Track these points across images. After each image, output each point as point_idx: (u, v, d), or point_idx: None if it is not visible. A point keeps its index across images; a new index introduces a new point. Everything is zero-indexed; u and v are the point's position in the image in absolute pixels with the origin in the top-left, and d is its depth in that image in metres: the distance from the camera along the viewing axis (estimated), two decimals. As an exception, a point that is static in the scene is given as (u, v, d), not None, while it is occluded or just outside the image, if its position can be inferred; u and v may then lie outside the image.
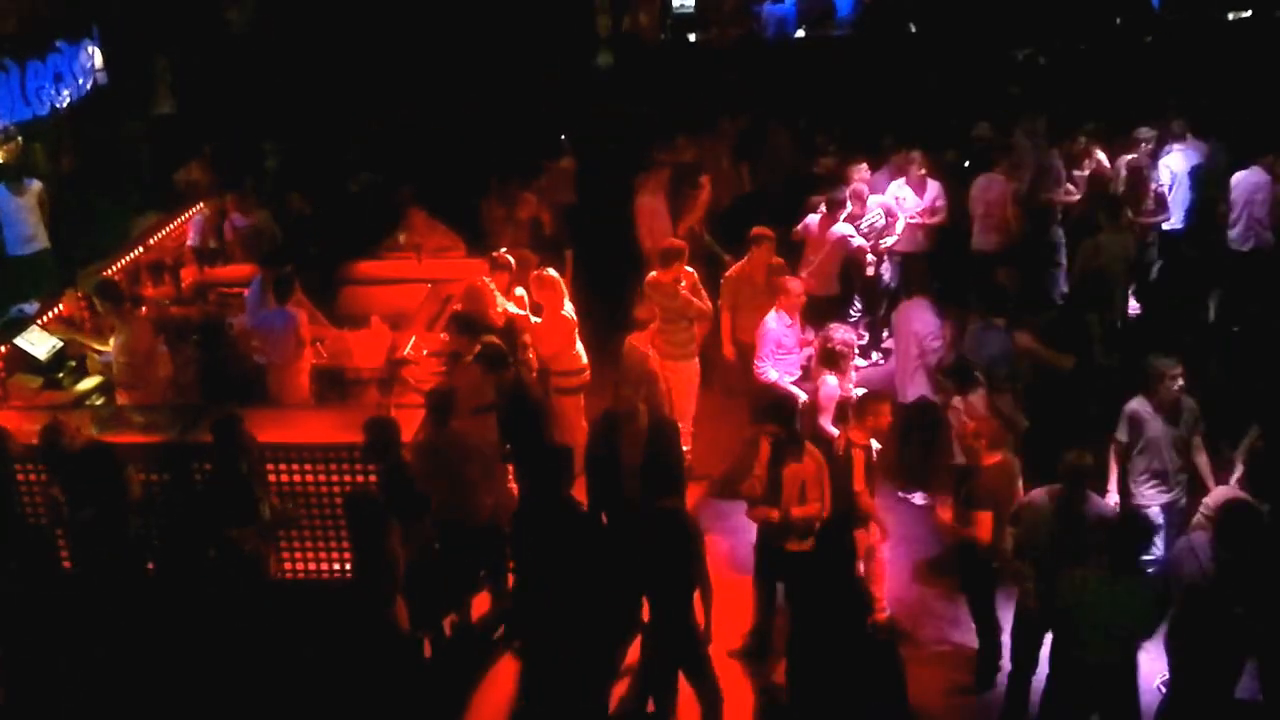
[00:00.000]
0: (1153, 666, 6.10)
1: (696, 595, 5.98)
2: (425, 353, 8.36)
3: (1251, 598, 5.49)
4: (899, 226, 10.18)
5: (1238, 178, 10.16)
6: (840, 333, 7.64)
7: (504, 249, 9.35)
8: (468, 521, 6.84)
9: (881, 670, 5.41)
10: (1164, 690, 6.04)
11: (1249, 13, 16.20)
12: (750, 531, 7.02)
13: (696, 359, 8.75)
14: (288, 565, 7.29)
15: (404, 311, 8.95)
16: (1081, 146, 10.99)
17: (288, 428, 7.36)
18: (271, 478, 6.97)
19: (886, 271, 10.39)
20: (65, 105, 11.45)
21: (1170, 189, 10.65)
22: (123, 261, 9.35)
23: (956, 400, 7.20)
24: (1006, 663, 6.46)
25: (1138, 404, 6.79)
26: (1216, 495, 6.30)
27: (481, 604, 7.34)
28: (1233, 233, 10.17)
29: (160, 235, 10.06)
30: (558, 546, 6.09)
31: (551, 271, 8.62)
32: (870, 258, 10.08)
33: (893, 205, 10.20)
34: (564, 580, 6.03)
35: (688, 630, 5.98)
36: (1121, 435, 6.83)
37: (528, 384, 7.75)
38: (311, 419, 7.64)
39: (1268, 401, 7.04)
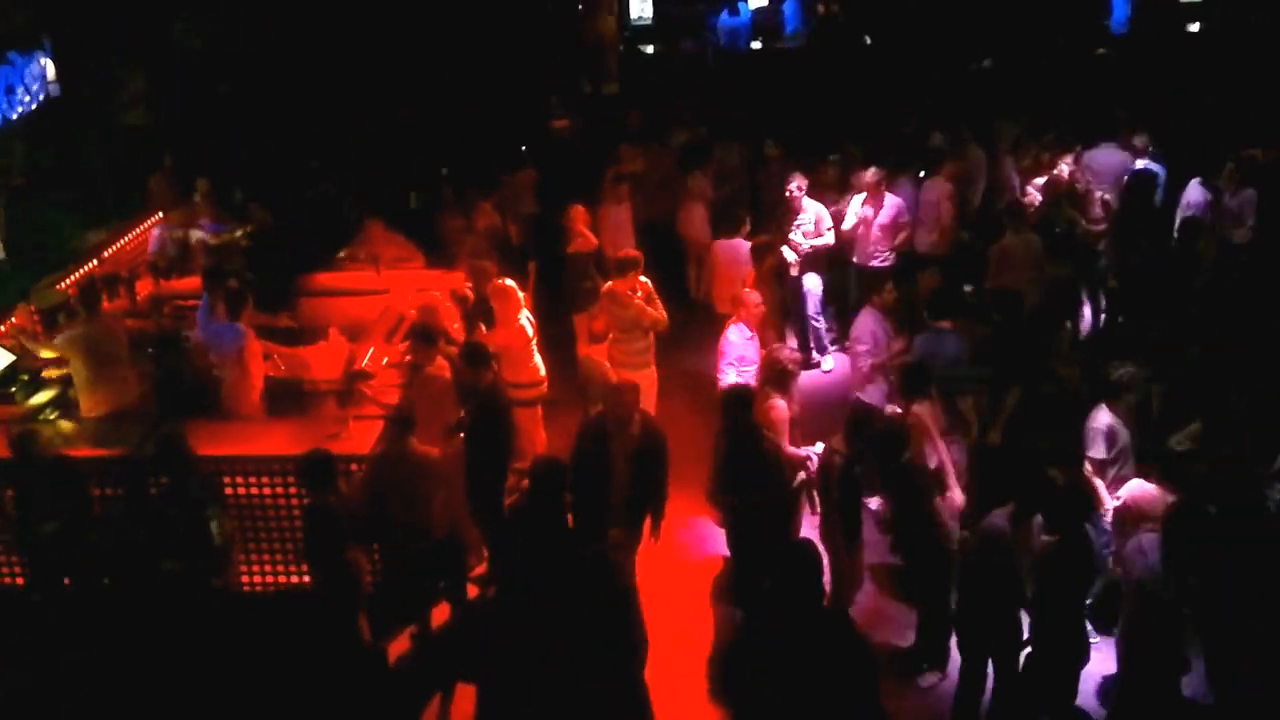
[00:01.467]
0: (1102, 665, 6.25)
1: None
2: (384, 364, 8.35)
3: (1198, 597, 5.65)
4: (829, 236, 10.22)
5: (1186, 192, 10.35)
6: (785, 351, 7.68)
7: (465, 259, 9.41)
8: (425, 537, 6.83)
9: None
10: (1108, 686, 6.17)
11: (1195, 27, 16.55)
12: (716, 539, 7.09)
13: (653, 368, 8.80)
14: (245, 578, 7.27)
15: (362, 323, 8.95)
16: (1042, 157, 11.07)
17: (243, 441, 7.34)
18: (228, 491, 6.94)
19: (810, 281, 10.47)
20: (17, 117, 11.35)
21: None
22: (77, 274, 9.28)
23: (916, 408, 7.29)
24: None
25: (1108, 416, 6.78)
26: (1130, 489, 6.41)
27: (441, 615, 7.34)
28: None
29: (116, 248, 9.98)
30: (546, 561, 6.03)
31: (509, 281, 8.65)
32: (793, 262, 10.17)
33: (824, 216, 10.23)
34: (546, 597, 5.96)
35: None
36: (1099, 452, 6.76)
37: (499, 390, 7.77)
38: (267, 432, 7.61)
39: (1210, 399, 7.18)
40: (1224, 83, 13.57)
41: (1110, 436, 6.76)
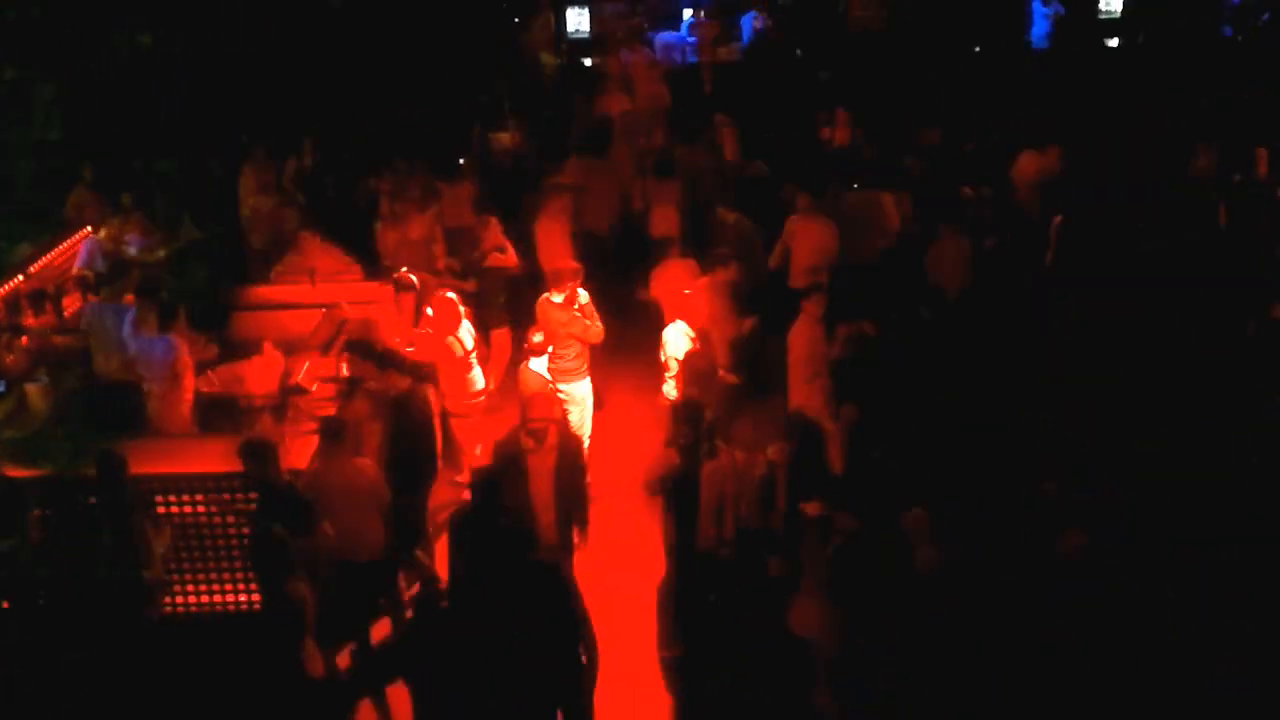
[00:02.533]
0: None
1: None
2: (320, 378, 8.29)
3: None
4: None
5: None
6: (701, 357, 7.76)
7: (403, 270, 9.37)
8: (361, 555, 6.79)
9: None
10: None
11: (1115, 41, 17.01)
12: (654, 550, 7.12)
13: (589, 378, 8.83)
14: (180, 600, 7.16)
15: (298, 337, 8.87)
16: None
17: (176, 458, 7.23)
18: (160, 509, 6.84)
19: None
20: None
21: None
22: (1, 290, 9.09)
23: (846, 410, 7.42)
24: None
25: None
26: None
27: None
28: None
29: (42, 262, 9.78)
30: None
31: (450, 294, 8.63)
32: None
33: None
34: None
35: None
36: None
37: (415, 398, 7.72)
38: (200, 448, 7.50)
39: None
40: (1142, 95, 13.94)
41: None
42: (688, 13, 17.44)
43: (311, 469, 6.92)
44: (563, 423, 7.45)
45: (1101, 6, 17.30)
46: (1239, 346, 8.59)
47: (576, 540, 7.08)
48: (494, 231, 9.99)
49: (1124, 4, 17.24)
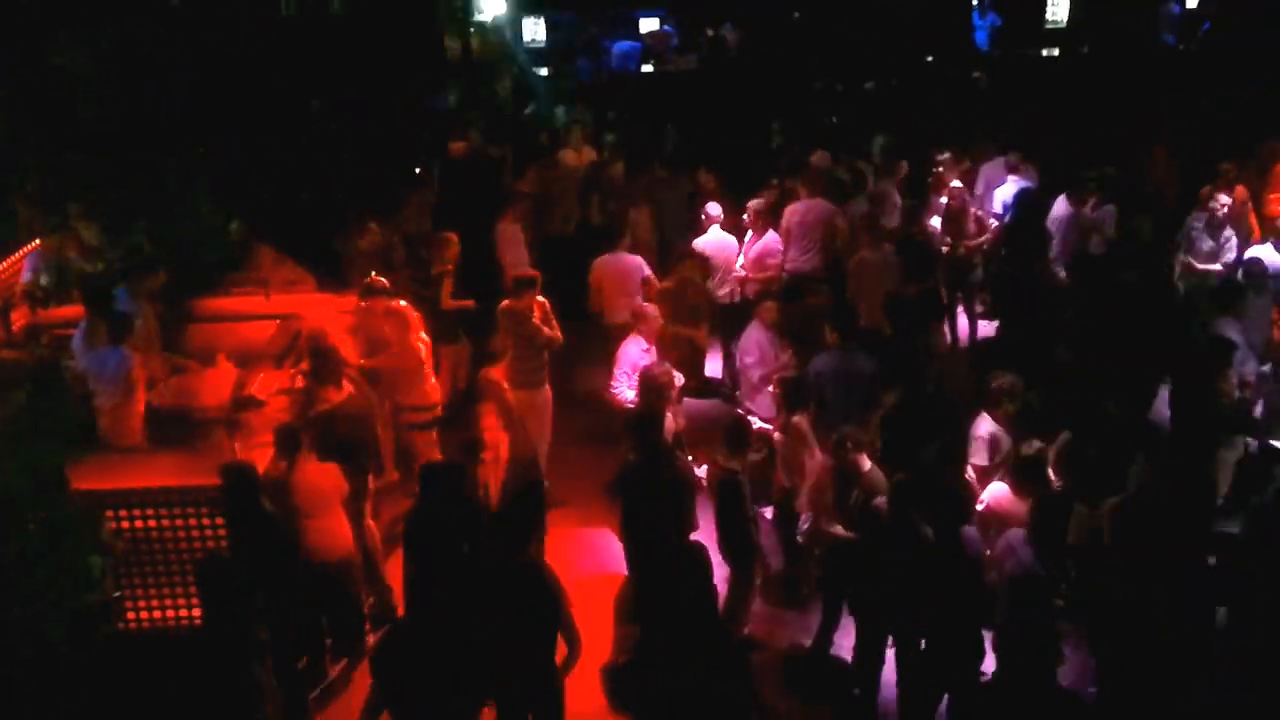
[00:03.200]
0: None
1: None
2: (275, 390, 8.21)
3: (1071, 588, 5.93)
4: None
5: (1054, 207, 10.79)
6: (660, 368, 7.78)
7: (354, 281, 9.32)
8: (333, 555, 6.78)
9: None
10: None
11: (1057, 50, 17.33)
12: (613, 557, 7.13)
13: (548, 387, 8.82)
14: (131, 615, 7.05)
15: (252, 349, 8.78)
16: (937, 174, 11.44)
17: (128, 473, 7.13)
18: (111, 525, 6.73)
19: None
20: None
21: (1005, 216, 11.24)
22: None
23: (796, 418, 7.47)
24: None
25: (990, 425, 7.02)
26: (990, 492, 6.69)
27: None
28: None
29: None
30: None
31: (402, 302, 8.59)
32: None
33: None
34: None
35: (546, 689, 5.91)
36: (981, 459, 6.98)
37: (353, 406, 7.68)
38: (152, 463, 7.40)
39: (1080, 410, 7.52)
40: (1086, 103, 14.20)
41: (992, 444, 6.99)
42: (644, 22, 17.56)
43: (277, 473, 6.84)
44: (516, 435, 7.44)
45: (1048, 17, 17.62)
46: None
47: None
48: (453, 249, 9.92)
49: (1069, 14, 17.57)
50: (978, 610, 6.05)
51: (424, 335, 8.61)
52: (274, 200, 11.98)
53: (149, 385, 8.07)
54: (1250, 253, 9.57)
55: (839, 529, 6.81)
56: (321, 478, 6.86)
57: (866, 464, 6.77)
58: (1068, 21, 17.68)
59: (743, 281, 10.35)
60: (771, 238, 10.30)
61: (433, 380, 8.59)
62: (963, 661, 5.97)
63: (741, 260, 10.33)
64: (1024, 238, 10.46)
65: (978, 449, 7.02)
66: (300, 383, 8.13)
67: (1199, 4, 17.64)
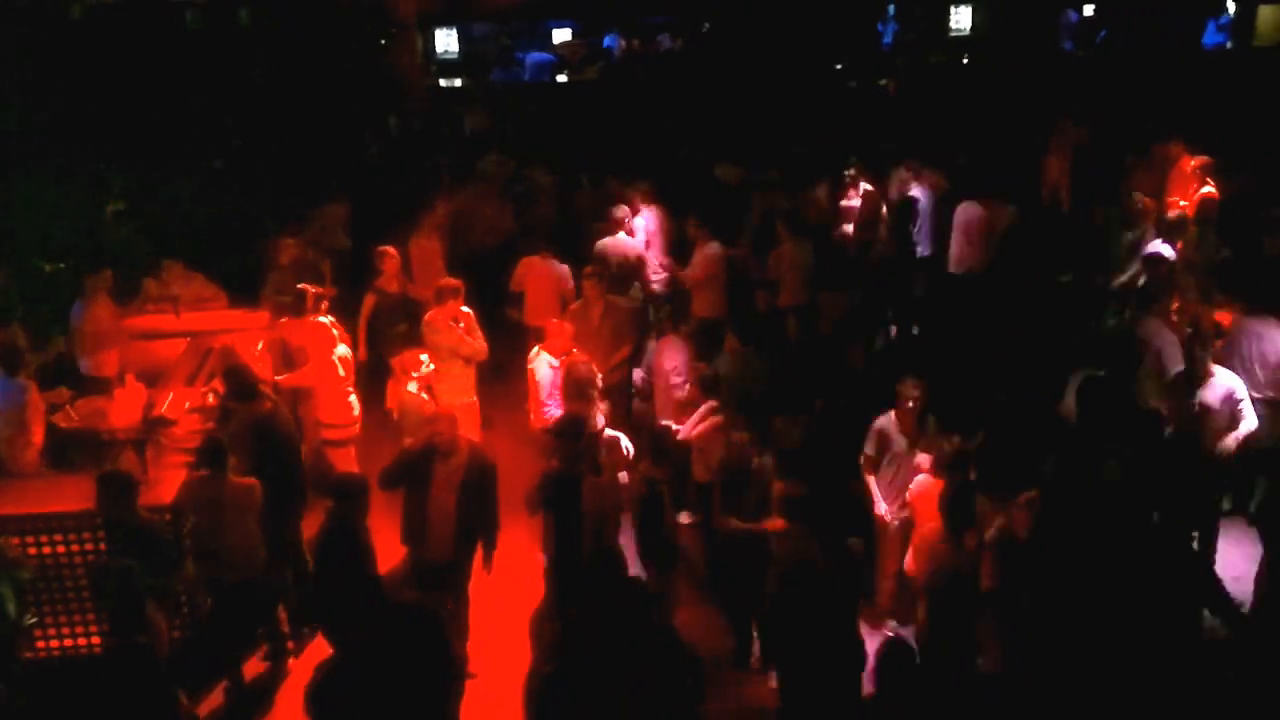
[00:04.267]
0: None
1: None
2: (187, 409, 8.06)
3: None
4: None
5: (959, 211, 11.05)
6: (583, 365, 7.81)
7: (268, 297, 9.19)
8: (241, 574, 6.66)
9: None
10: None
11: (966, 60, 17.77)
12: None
13: (474, 398, 8.78)
14: (41, 645, 6.86)
15: (162, 367, 8.61)
16: (848, 179, 11.63)
17: (31, 498, 6.95)
18: (15, 552, 6.54)
19: None
20: None
21: (916, 221, 11.47)
22: None
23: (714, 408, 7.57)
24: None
25: (884, 419, 7.28)
26: (917, 482, 6.85)
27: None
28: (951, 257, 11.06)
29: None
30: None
31: (321, 319, 8.50)
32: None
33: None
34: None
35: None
36: (869, 449, 7.30)
37: (277, 420, 7.58)
38: (57, 487, 7.18)
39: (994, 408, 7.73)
40: (989, 108, 14.59)
41: (880, 437, 7.25)
42: (557, 33, 17.60)
43: (192, 491, 6.73)
44: (474, 443, 7.42)
45: (952, 25, 18.06)
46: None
47: (479, 562, 7.05)
48: (392, 262, 9.83)
49: (972, 22, 18.03)
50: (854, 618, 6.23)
51: (343, 352, 8.51)
52: (186, 214, 11.84)
53: (52, 410, 7.87)
54: (1150, 249, 9.90)
55: (734, 522, 6.92)
56: (241, 493, 6.74)
57: (757, 461, 6.91)
58: (970, 29, 18.13)
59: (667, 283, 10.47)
60: (712, 246, 10.38)
61: (350, 398, 8.48)
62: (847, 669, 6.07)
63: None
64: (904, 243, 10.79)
65: (869, 440, 7.30)
66: (213, 401, 7.99)
67: (1096, 11, 18.24)
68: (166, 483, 7.07)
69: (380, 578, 6.55)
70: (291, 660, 7.21)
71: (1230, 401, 7.43)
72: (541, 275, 9.94)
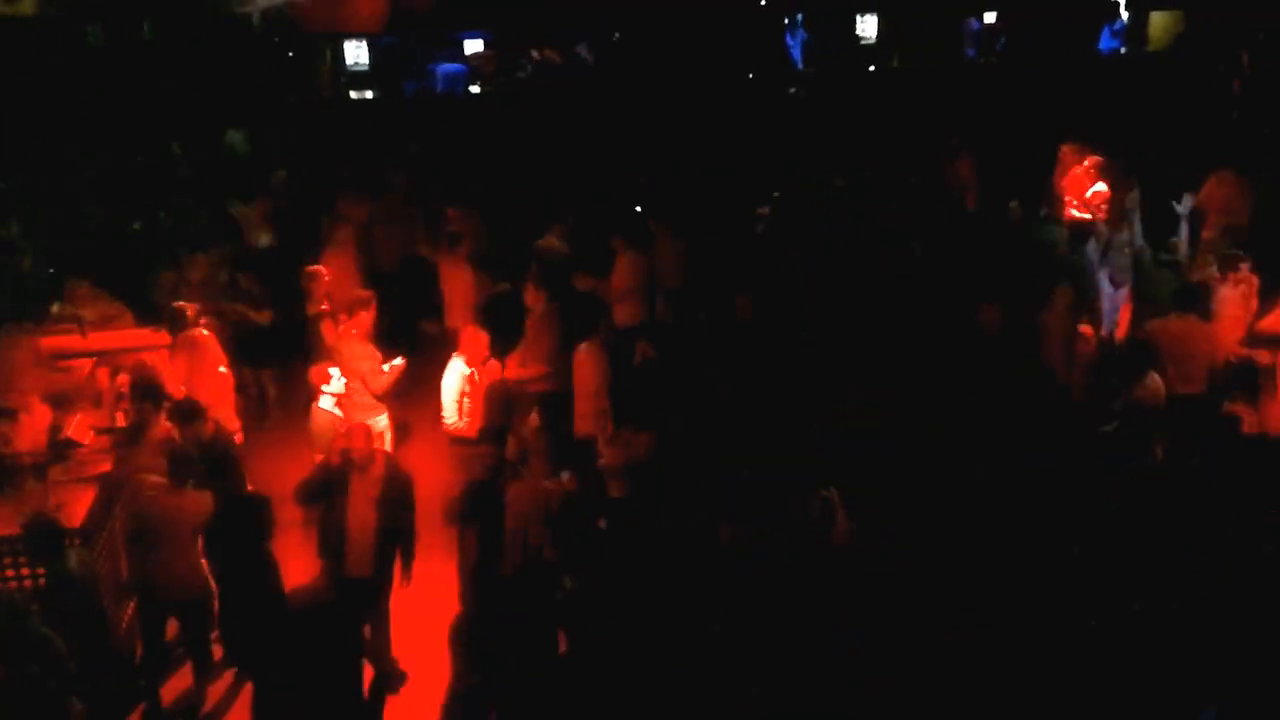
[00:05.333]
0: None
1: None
2: (93, 432, 7.89)
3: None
4: None
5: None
6: (502, 380, 7.86)
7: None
8: (181, 593, 6.61)
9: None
10: None
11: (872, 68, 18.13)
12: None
13: (388, 411, 8.73)
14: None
15: (68, 389, 8.41)
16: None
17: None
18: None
19: None
20: None
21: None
22: None
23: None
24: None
25: None
26: None
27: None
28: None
29: None
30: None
31: (203, 331, 8.37)
32: None
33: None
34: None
35: None
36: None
37: (224, 440, 7.60)
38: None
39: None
40: (901, 117, 14.92)
41: None
42: (469, 44, 17.55)
43: (139, 503, 6.61)
44: (391, 456, 7.38)
45: (858, 33, 18.43)
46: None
47: (398, 575, 7.04)
48: (320, 284, 9.70)
49: (878, 31, 18.42)
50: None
51: (222, 366, 8.45)
52: (92, 232, 11.59)
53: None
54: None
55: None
56: (195, 507, 6.65)
57: None
58: (876, 37, 18.51)
59: None
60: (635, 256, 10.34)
61: (232, 409, 8.41)
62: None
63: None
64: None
65: None
66: (121, 422, 7.85)
67: (997, 19, 18.75)
68: (71, 506, 6.92)
69: (285, 595, 6.48)
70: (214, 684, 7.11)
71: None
72: (455, 277, 9.91)
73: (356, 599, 6.76)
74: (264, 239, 11.57)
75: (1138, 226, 10.48)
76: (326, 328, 9.28)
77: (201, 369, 8.20)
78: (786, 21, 17.92)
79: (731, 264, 10.31)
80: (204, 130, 13.30)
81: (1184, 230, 10.63)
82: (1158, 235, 10.74)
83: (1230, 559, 6.16)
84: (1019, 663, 5.73)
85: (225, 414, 8.29)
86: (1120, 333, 10.15)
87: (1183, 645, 5.71)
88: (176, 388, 8.17)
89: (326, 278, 9.71)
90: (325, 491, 6.92)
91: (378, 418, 8.57)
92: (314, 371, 8.35)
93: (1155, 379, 7.82)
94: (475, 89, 16.99)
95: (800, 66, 17.81)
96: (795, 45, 17.95)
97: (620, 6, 16.69)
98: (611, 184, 12.50)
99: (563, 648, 6.25)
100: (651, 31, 16.78)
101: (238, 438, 8.42)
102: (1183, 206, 10.59)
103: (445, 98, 16.65)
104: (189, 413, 7.33)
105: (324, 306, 9.58)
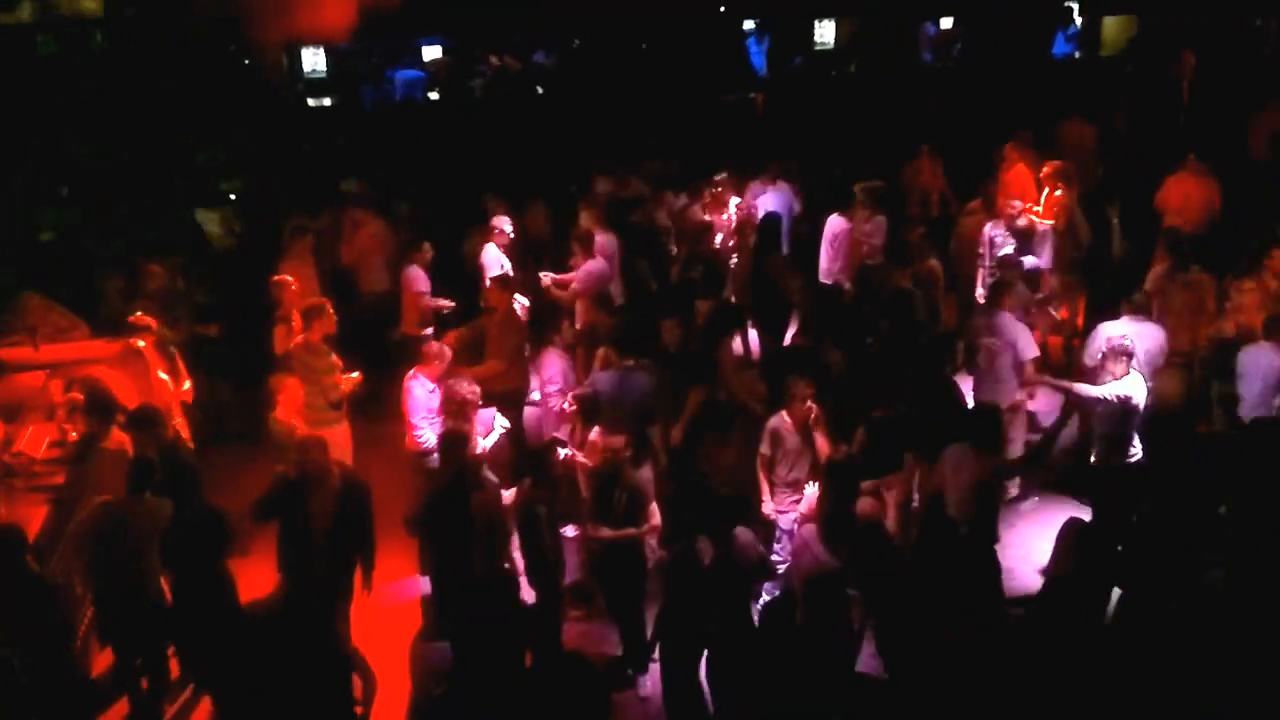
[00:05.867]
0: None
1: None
2: (46, 444, 7.77)
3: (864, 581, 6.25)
4: None
5: (829, 224, 11.27)
6: (464, 384, 7.80)
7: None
8: (138, 603, 6.51)
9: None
10: None
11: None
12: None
13: (346, 421, 8.66)
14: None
15: (20, 401, 8.28)
16: (717, 193, 11.77)
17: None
18: None
19: None
20: None
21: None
22: None
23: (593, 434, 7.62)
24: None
25: (777, 419, 7.49)
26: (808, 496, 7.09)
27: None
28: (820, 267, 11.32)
29: None
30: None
31: (140, 343, 8.28)
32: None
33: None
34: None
35: None
36: (765, 448, 7.50)
37: (182, 447, 7.53)
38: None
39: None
40: (858, 124, 15.01)
41: (773, 435, 7.46)
42: (426, 51, 17.50)
43: (103, 510, 6.51)
44: (345, 467, 7.31)
45: (816, 39, 18.55)
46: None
47: (358, 585, 6.98)
48: (291, 292, 9.58)
49: (835, 37, 18.55)
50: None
51: (163, 374, 8.40)
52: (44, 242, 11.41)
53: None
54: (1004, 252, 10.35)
55: (605, 531, 6.98)
56: (156, 514, 6.58)
57: (631, 468, 7.03)
58: (834, 43, 18.64)
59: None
60: (597, 261, 10.41)
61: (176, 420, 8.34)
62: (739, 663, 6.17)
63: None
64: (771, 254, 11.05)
65: (763, 439, 7.53)
66: (73, 435, 7.73)
67: (953, 25, 18.94)
68: (25, 519, 6.80)
69: (243, 609, 6.41)
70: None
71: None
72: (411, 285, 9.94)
73: (319, 612, 6.70)
74: (225, 246, 11.48)
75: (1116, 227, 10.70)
76: (279, 336, 9.19)
77: (144, 380, 8.07)
78: (751, 27, 18.01)
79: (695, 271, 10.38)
80: (158, 136, 13.12)
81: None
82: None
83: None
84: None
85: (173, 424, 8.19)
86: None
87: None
88: (127, 398, 8.05)
89: (294, 286, 9.63)
90: (282, 506, 6.87)
91: (336, 427, 8.52)
92: (273, 381, 8.25)
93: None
94: (434, 95, 16.93)
95: (763, 74, 17.88)
96: (760, 53, 18.03)
97: (580, 13, 16.69)
98: (570, 190, 12.49)
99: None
100: (612, 38, 16.81)
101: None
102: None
103: (404, 104, 16.56)
104: (144, 420, 7.25)
105: (288, 312, 9.46)
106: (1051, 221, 10.66)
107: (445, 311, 10.44)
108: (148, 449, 7.12)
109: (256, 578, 7.20)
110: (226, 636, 5.98)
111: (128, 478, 6.60)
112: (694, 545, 6.29)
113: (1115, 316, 8.60)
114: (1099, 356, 8.02)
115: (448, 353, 8.37)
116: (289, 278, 9.67)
